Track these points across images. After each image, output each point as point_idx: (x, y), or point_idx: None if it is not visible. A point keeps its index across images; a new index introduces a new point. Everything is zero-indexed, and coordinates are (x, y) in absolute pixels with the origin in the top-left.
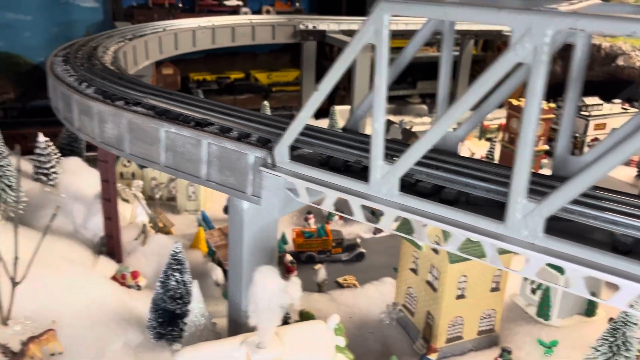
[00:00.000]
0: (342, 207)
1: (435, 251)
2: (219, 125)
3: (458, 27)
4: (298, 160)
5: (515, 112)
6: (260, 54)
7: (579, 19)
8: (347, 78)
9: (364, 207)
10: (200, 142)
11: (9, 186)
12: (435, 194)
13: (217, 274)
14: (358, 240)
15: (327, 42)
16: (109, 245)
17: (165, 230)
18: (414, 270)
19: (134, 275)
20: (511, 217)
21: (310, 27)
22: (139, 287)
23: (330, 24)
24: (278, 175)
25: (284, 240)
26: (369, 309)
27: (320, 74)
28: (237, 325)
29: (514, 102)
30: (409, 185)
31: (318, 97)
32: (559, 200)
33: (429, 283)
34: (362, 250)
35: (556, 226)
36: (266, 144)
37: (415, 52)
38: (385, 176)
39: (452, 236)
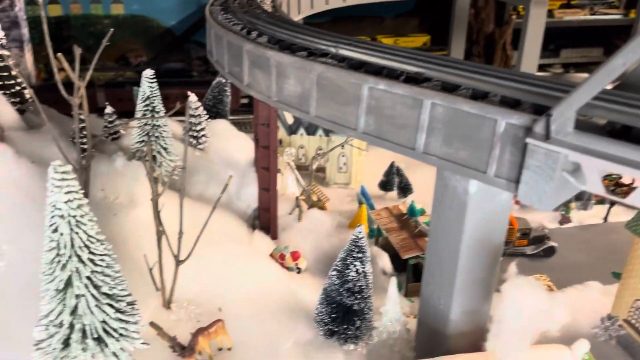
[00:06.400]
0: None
1: None
2: (441, 80)
3: None
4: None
5: None
6: (387, 18)
7: None
8: (486, 42)
9: None
10: (420, 102)
11: (165, 149)
12: None
13: (384, 261)
14: (546, 231)
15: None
16: (264, 220)
17: (319, 205)
18: None
19: (295, 256)
20: None
21: None
22: (299, 270)
23: None
24: (557, 152)
25: None
26: (576, 321)
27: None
28: (432, 333)
29: None
30: None
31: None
32: None
33: None
34: (553, 244)
35: None
36: (516, 106)
37: None
38: None
39: None
